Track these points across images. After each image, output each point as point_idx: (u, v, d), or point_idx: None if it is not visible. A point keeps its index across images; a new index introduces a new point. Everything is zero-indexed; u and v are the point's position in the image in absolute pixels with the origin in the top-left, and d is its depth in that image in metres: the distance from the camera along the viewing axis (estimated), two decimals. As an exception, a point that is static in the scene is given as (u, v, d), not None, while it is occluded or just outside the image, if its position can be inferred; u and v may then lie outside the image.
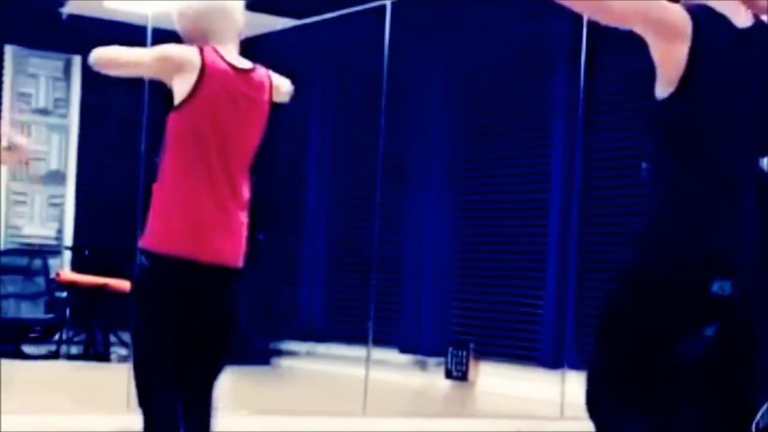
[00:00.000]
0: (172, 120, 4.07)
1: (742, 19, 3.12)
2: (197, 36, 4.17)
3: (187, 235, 4.02)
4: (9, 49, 11.44)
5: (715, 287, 3.03)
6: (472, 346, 9.71)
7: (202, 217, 4.05)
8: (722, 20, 3.08)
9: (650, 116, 3.17)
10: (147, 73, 4.31)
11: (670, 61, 3.03)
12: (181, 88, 4.04)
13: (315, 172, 11.47)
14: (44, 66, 11.60)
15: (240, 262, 4.16)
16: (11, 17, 10.81)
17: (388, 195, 9.62)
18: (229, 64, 4.18)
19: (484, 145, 9.98)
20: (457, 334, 9.94)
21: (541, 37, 9.27)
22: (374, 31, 8.74)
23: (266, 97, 4.27)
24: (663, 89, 3.05)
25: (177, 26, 4.24)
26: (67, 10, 10.52)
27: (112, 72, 4.08)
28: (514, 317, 9.51)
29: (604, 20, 3.08)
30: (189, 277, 3.99)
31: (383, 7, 8.50)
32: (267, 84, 4.29)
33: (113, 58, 4.03)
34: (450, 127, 10.17)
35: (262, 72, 4.29)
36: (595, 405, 3.18)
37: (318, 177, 11.46)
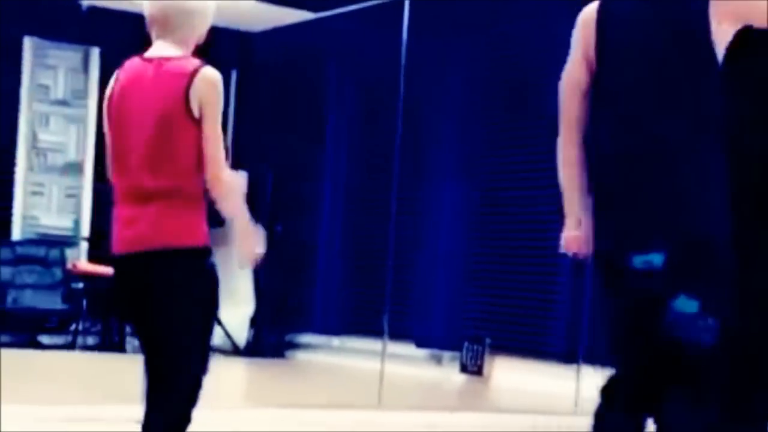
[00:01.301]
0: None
1: None
2: (165, 31, 4.12)
3: None
4: (28, 41, 11.47)
5: (637, 261, 3.04)
6: (487, 340, 9.71)
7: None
8: None
9: None
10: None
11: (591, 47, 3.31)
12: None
13: (331, 166, 11.48)
14: (63, 57, 11.63)
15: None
16: (30, 9, 10.85)
17: (404, 189, 9.62)
18: (145, 59, 4.11)
19: (500, 139, 9.97)
20: (472, 328, 9.94)
21: (557, 32, 9.25)
22: (392, 25, 8.74)
23: (180, 83, 4.00)
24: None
25: (158, 15, 4.16)
26: (87, 2, 10.54)
27: None
28: (530, 312, 9.50)
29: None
30: None
31: (402, 0, 8.49)
32: (186, 72, 4.01)
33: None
34: (466, 121, 10.16)
35: (186, 63, 4.06)
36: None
37: (334, 170, 11.46)
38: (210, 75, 4.00)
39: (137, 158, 4.05)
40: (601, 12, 3.25)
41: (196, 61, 4.07)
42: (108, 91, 4.16)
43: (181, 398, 4.08)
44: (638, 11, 3.20)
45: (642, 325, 3.09)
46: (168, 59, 4.06)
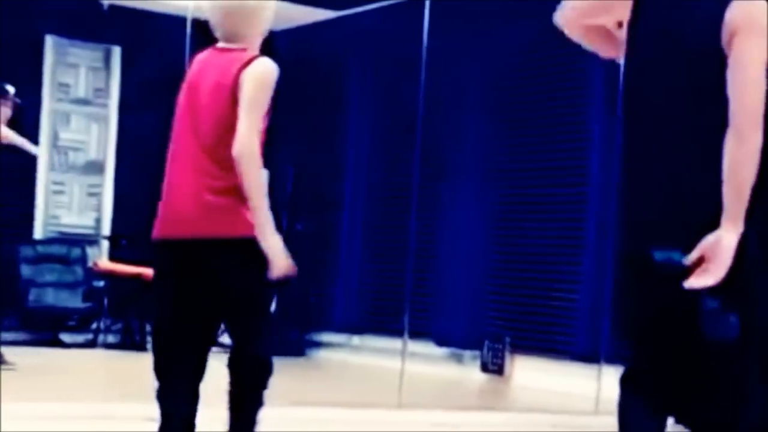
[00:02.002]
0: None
1: None
2: (235, 35, 4.24)
3: None
4: (50, 39, 11.50)
5: (658, 256, 3.03)
6: (508, 339, 9.69)
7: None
8: None
9: None
10: None
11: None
12: None
13: (353, 164, 11.48)
14: (84, 56, 11.65)
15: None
16: (52, 8, 10.88)
17: (425, 187, 9.61)
18: (216, 49, 4.30)
19: (521, 138, 9.95)
20: (493, 327, 9.92)
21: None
22: (413, 23, 8.73)
23: (231, 80, 4.17)
24: None
25: (219, 21, 4.28)
26: (108, 1, 10.56)
27: None
28: (551, 311, 9.48)
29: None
30: None
31: (422, -2, 8.49)
32: (237, 68, 4.19)
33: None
34: (487, 119, 10.15)
35: (241, 57, 4.23)
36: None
37: (355, 169, 11.46)
38: (256, 66, 4.18)
39: (203, 146, 4.13)
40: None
41: (253, 54, 4.26)
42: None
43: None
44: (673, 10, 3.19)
45: (668, 319, 3.09)
46: (231, 50, 4.24)
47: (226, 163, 4.06)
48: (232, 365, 4.16)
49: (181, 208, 4.14)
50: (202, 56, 4.30)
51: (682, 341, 3.07)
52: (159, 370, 4.20)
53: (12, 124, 8.46)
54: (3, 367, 8.08)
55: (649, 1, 3.19)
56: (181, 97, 4.25)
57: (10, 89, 8.37)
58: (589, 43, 3.48)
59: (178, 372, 4.18)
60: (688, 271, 2.97)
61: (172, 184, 4.19)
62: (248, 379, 4.17)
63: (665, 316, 3.08)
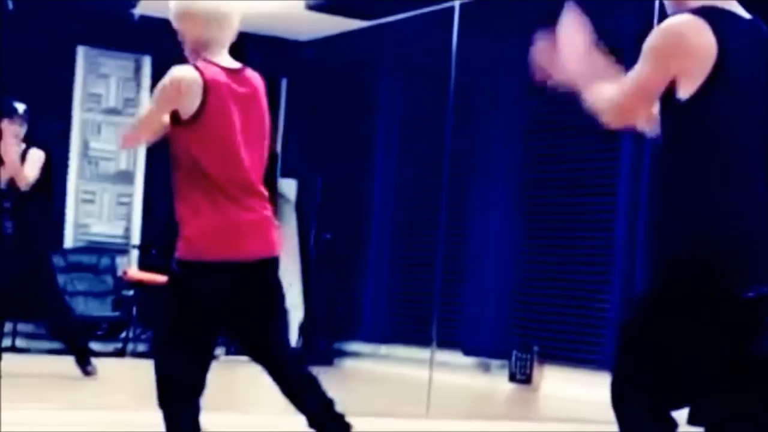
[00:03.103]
0: (180, 134, 4.23)
1: (741, 12, 3.30)
2: (200, 44, 4.26)
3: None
4: (81, 50, 11.58)
5: (750, 294, 3.05)
6: (536, 349, 9.67)
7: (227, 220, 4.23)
8: (731, 15, 3.24)
9: (668, 121, 3.22)
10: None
11: (698, 63, 3.16)
12: (186, 107, 4.17)
13: (381, 174, 11.49)
14: (115, 66, 11.72)
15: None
16: (83, 18, 10.95)
17: (454, 196, 9.61)
18: (223, 68, 4.26)
19: (551, 147, 9.93)
20: (521, 336, 9.91)
21: (608, 36, 9.19)
22: (443, 32, 8.74)
23: (261, 94, 4.34)
24: (687, 88, 3.12)
25: (180, 27, 4.32)
26: (139, 11, 10.61)
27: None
28: (579, 320, 9.46)
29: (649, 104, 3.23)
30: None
31: (452, 8, 8.49)
32: (260, 82, 4.36)
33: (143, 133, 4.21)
34: (516, 129, 10.14)
35: (251, 72, 4.35)
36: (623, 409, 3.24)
37: (384, 178, 11.47)
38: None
39: (246, 168, 4.24)
40: (718, 33, 3.19)
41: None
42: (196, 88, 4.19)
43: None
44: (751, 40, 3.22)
45: (736, 345, 3.12)
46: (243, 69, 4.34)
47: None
48: None
49: None
50: (220, 81, 4.25)
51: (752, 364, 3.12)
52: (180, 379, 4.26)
53: (24, 140, 8.50)
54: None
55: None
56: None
57: (20, 107, 8.39)
58: (641, 125, 3.54)
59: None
60: None
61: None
62: None
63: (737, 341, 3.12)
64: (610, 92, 3.36)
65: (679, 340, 3.16)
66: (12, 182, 8.30)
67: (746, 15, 3.30)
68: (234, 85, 4.23)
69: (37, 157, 8.40)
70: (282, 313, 4.48)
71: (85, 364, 8.41)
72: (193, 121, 4.15)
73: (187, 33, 4.30)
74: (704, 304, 3.10)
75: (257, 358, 4.40)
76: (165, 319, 4.39)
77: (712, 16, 3.17)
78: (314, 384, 4.40)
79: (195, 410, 4.27)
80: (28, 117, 8.45)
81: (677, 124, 3.21)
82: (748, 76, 3.17)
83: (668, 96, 3.19)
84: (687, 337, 3.13)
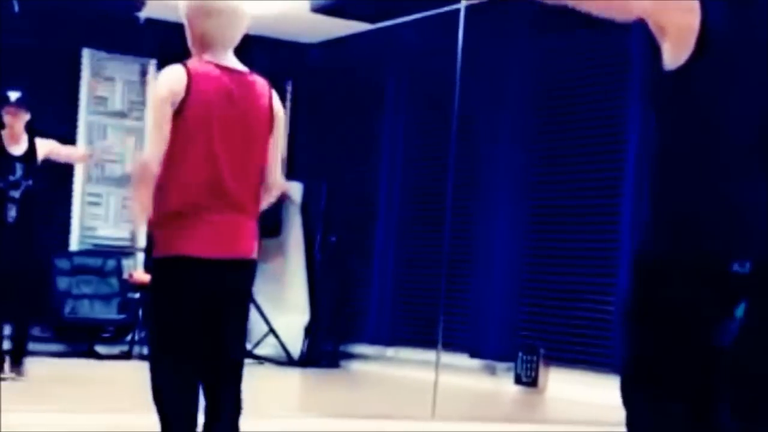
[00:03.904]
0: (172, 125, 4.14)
1: None
2: (204, 40, 4.23)
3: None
4: (87, 53, 11.60)
5: (735, 267, 3.04)
6: (542, 351, 9.67)
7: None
8: None
9: (656, 93, 3.21)
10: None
11: (683, 31, 3.09)
12: (175, 102, 4.13)
13: (386, 176, 11.49)
14: (121, 69, 11.74)
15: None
16: (89, 22, 10.97)
17: (459, 199, 9.62)
18: (222, 67, 4.22)
19: (556, 150, 9.93)
20: (526, 339, 9.90)
21: (616, 42, 9.21)
22: (448, 35, 8.74)
23: (265, 101, 4.28)
24: (673, 59, 3.11)
25: (187, 21, 4.29)
26: (144, 14, 10.63)
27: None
28: (585, 322, 9.45)
29: (620, 18, 3.17)
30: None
31: (457, 10, 8.50)
32: (266, 89, 4.31)
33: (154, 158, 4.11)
34: (522, 132, 10.14)
35: (259, 78, 4.31)
36: (629, 398, 3.22)
37: (389, 181, 11.47)
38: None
39: (227, 167, 4.16)
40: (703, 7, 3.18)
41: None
42: (178, 88, 4.14)
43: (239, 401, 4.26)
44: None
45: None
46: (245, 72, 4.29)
47: None
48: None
49: None
50: (208, 73, 4.21)
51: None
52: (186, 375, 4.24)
53: (28, 127, 8.53)
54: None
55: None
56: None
57: (12, 95, 8.43)
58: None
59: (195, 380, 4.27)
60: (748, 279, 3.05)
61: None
62: None
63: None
64: None
65: (674, 323, 3.16)
66: (24, 174, 8.36)
67: None
68: (229, 85, 4.19)
69: (47, 141, 8.58)
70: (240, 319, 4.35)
71: (18, 365, 8.42)
72: (176, 114, 4.12)
73: (192, 27, 4.26)
74: (693, 278, 3.11)
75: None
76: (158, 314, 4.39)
77: None
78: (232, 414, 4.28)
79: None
80: (27, 105, 8.49)
81: (665, 97, 3.20)
82: (740, 52, 3.17)
83: (657, 68, 3.18)
84: (681, 318, 3.14)
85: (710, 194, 3.12)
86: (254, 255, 4.27)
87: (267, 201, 4.35)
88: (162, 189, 4.09)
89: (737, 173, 3.12)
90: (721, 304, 3.07)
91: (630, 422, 3.29)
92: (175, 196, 4.11)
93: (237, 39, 4.28)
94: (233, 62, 4.26)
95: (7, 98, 8.41)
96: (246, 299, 4.39)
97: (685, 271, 3.08)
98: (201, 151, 4.12)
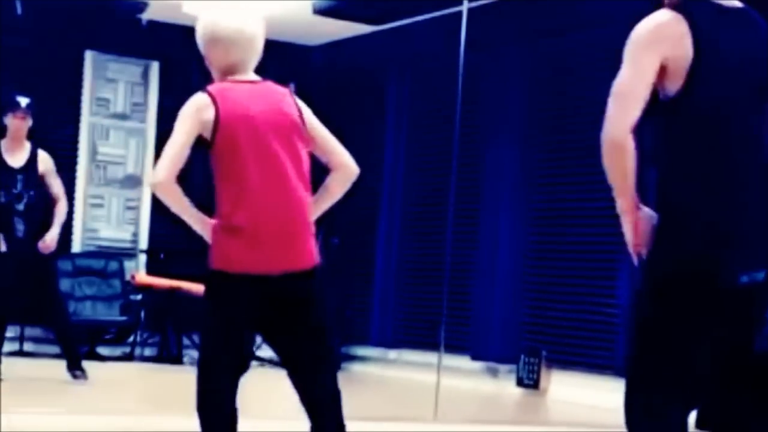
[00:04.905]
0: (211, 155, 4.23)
1: (731, 2, 3.31)
2: (227, 68, 4.27)
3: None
4: (89, 55, 11.60)
5: (744, 279, 3.05)
6: (544, 353, 9.67)
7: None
8: (713, 7, 3.27)
9: (658, 118, 3.25)
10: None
11: (678, 60, 3.20)
12: (206, 128, 4.20)
13: (389, 179, 11.49)
14: (123, 71, 11.74)
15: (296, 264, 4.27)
16: (91, 23, 10.97)
17: (462, 202, 9.61)
18: (242, 81, 4.29)
19: (558, 152, 9.94)
20: (529, 341, 9.90)
21: (618, 44, 9.20)
22: (450, 37, 8.74)
23: (289, 100, 4.43)
24: (672, 86, 3.13)
25: (206, 53, 4.32)
26: (146, 16, 10.64)
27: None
28: (588, 325, 9.45)
29: (643, 103, 3.34)
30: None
31: (460, 13, 8.50)
32: (284, 90, 4.43)
33: (171, 167, 4.18)
34: (524, 134, 10.14)
35: (282, 88, 4.43)
36: (633, 408, 3.23)
37: (392, 183, 11.48)
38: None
39: (275, 176, 4.28)
40: (692, 27, 3.20)
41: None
42: (206, 116, 4.22)
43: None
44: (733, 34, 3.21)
45: (737, 339, 3.11)
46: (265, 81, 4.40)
47: None
48: None
49: None
50: (237, 87, 4.27)
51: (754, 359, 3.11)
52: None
53: (29, 134, 8.52)
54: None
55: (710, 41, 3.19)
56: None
57: (23, 101, 8.43)
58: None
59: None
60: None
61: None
62: None
63: (738, 334, 3.11)
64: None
65: (682, 335, 3.16)
66: (25, 185, 8.35)
67: (736, 4, 3.30)
68: (253, 93, 4.26)
69: (48, 159, 8.51)
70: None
71: (74, 369, 8.41)
72: (213, 135, 4.16)
73: (213, 60, 4.31)
74: (700, 292, 3.11)
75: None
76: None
77: (688, 8, 3.20)
78: (336, 404, 4.38)
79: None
80: (32, 111, 8.48)
81: (667, 121, 3.23)
82: (735, 66, 3.18)
83: (654, 98, 3.22)
84: (689, 330, 3.13)
85: (725, 204, 3.13)
86: (310, 264, 4.30)
87: (344, 186, 4.69)
88: (219, 204, 4.21)
89: (748, 183, 3.13)
90: (756, 312, 3.08)
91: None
92: (230, 211, 4.19)
93: (251, 60, 4.32)
94: (252, 77, 4.33)
95: (17, 104, 8.41)
96: (312, 307, 4.41)
97: (704, 282, 3.09)
98: (249, 165, 4.20)
